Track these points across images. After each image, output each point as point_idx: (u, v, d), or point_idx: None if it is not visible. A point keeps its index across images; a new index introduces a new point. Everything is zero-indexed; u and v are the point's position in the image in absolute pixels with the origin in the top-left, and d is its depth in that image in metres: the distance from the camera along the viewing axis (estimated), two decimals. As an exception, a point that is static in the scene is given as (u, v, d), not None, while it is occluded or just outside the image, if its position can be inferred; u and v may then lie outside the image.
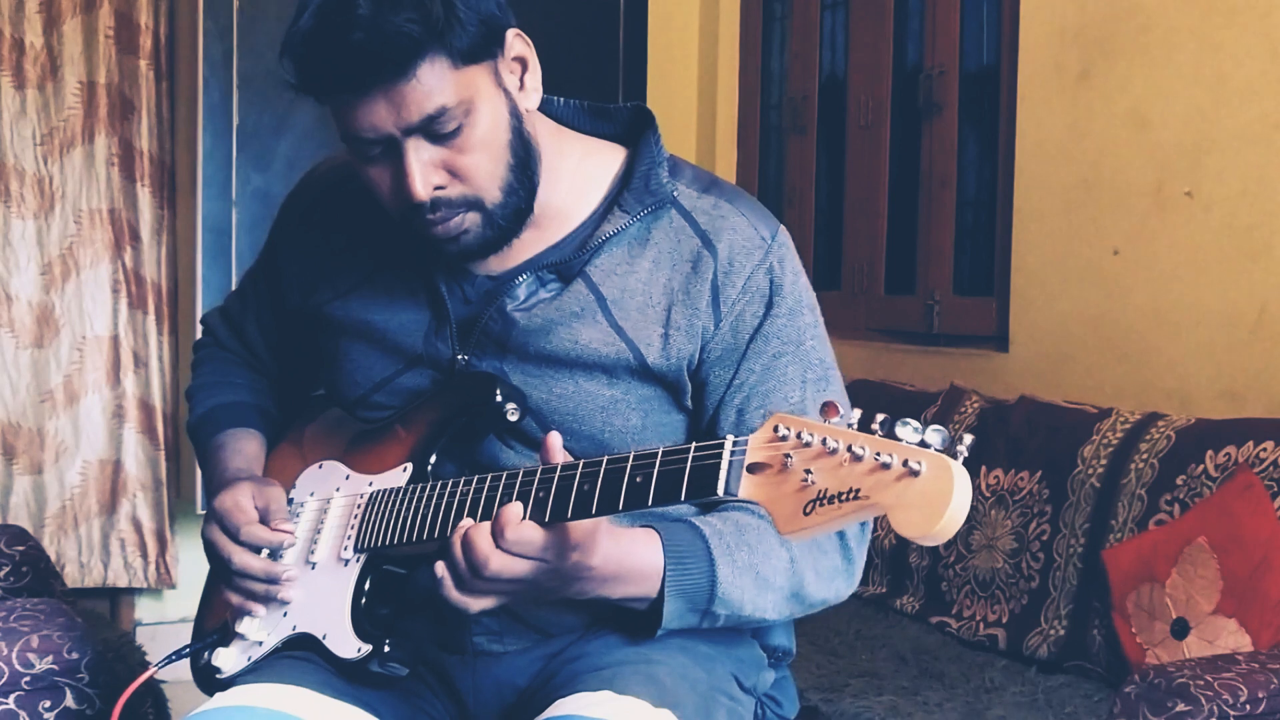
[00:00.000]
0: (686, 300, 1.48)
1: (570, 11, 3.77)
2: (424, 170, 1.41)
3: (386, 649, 1.46)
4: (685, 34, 4.30)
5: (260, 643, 1.55)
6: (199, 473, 2.92)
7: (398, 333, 1.55)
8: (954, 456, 1.08)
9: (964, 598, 2.77)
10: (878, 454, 1.09)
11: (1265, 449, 2.32)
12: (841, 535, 1.50)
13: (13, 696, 2.06)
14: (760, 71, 4.21)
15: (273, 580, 1.53)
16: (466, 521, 1.36)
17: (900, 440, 1.10)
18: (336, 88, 1.39)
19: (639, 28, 3.93)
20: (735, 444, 1.19)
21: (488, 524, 1.33)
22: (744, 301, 1.49)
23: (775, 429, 1.16)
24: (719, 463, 1.19)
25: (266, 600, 1.54)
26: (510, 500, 1.34)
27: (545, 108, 1.54)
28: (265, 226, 1.78)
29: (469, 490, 1.40)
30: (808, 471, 1.12)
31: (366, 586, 1.50)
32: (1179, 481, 2.44)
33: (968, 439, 1.10)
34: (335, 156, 1.66)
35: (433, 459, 1.51)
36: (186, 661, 1.63)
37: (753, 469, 1.17)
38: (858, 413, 1.13)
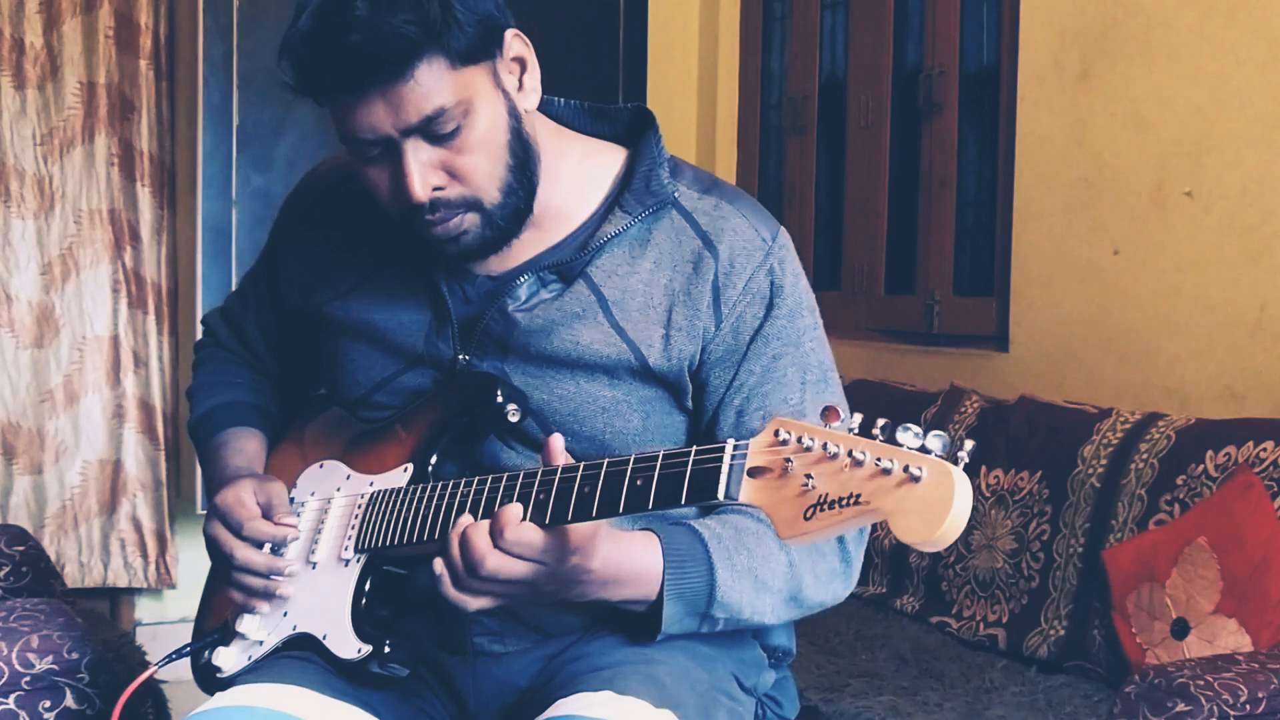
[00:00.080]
0: (687, 301, 1.48)
1: (570, 11, 3.77)
2: (422, 171, 1.40)
3: (386, 649, 1.46)
4: (685, 34, 4.30)
5: (260, 642, 1.55)
6: (199, 473, 2.92)
7: (398, 333, 1.55)
8: (955, 462, 1.08)
9: (964, 598, 2.77)
10: (878, 459, 1.09)
11: (1265, 449, 2.32)
12: (840, 538, 1.51)
13: (13, 696, 2.06)
14: (760, 71, 4.20)
15: (275, 575, 1.53)
16: (465, 519, 1.36)
17: (901, 445, 1.09)
18: (334, 89, 1.39)
19: (639, 28, 3.92)
20: (736, 448, 1.19)
21: (486, 523, 1.33)
22: (745, 303, 1.49)
23: (776, 433, 1.16)
24: (719, 467, 1.19)
25: (268, 596, 1.54)
26: (511, 501, 1.33)
27: (545, 108, 1.54)
28: (265, 226, 1.77)
29: (470, 491, 1.40)
30: (808, 476, 1.12)
31: (367, 587, 1.50)
32: (1179, 481, 2.43)
33: (969, 445, 1.10)
34: (335, 157, 1.65)
35: (434, 459, 1.51)
36: (186, 661, 1.63)
37: (753, 473, 1.17)
38: (858, 417, 1.13)
